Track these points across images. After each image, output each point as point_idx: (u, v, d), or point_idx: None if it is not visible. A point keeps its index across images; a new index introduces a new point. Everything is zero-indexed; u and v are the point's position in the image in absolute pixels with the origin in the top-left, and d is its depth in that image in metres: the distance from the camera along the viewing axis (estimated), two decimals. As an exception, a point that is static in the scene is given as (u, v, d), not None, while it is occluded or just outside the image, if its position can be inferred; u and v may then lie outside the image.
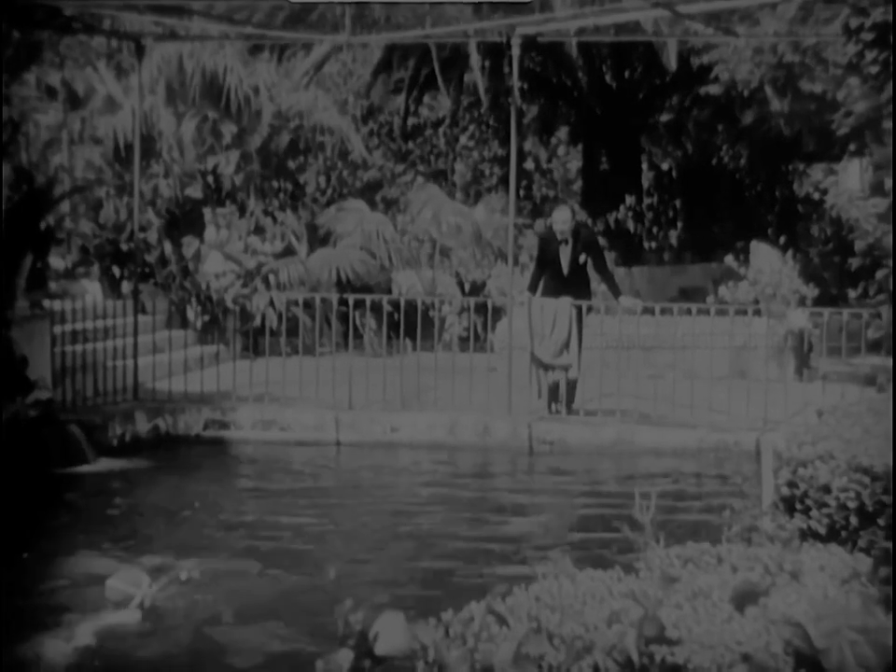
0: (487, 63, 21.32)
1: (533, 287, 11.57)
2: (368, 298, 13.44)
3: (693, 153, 25.58)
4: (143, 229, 14.46)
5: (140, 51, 12.69)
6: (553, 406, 11.28)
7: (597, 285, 12.27)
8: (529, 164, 26.71)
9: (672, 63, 19.45)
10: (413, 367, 11.65)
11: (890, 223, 11.75)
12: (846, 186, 15.67)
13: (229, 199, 16.84)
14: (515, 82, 12.31)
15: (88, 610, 6.40)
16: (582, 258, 11.35)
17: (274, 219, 17.09)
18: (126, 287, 14.77)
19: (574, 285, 11.33)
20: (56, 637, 6.02)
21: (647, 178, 26.13)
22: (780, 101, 17.37)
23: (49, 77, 16.59)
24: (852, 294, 14.19)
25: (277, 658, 5.84)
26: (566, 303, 11.24)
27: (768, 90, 17.38)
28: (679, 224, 24.87)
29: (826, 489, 4.38)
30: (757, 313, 13.56)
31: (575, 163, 27.52)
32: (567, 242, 11.30)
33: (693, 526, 7.10)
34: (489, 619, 2.99)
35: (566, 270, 11.34)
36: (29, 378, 10.21)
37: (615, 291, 11.55)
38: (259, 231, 16.69)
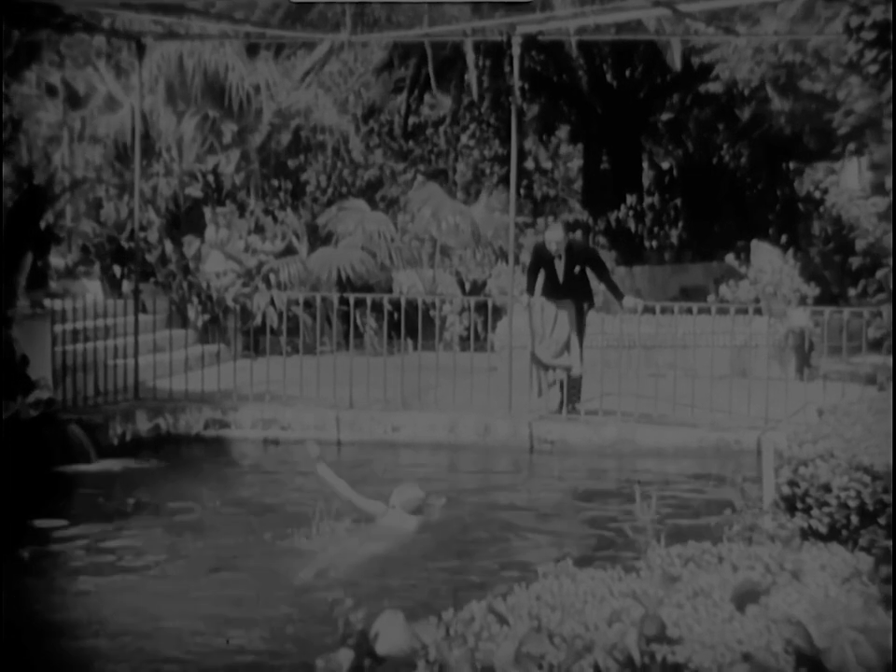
0: (488, 63, 21.33)
1: (530, 289, 11.55)
2: (368, 297, 13.44)
3: (693, 152, 25.57)
4: (143, 228, 14.44)
5: (140, 50, 12.68)
6: (565, 407, 11.17)
7: (597, 284, 12.25)
8: (530, 163, 26.67)
9: (676, 63, 19.45)
10: (413, 366, 11.64)
11: (891, 222, 11.75)
12: (846, 185, 15.68)
13: (229, 198, 16.83)
14: (516, 81, 12.31)
15: None
16: (577, 268, 11.29)
17: (275, 218, 17.08)
18: (127, 286, 14.76)
19: (572, 291, 11.29)
20: None
21: (647, 177, 26.09)
22: (781, 100, 17.37)
23: (50, 76, 16.55)
24: (853, 293, 14.17)
25: (279, 657, 5.84)
26: (567, 303, 11.22)
27: (769, 88, 17.38)
28: (680, 223, 24.82)
29: (827, 488, 4.38)
30: (758, 312, 13.54)
31: (576, 162, 27.52)
32: (560, 257, 11.28)
33: (694, 525, 7.10)
34: (490, 618, 2.99)
35: (561, 279, 11.30)
36: (29, 377, 10.20)
37: (619, 298, 11.49)
38: (259, 230, 16.68)
